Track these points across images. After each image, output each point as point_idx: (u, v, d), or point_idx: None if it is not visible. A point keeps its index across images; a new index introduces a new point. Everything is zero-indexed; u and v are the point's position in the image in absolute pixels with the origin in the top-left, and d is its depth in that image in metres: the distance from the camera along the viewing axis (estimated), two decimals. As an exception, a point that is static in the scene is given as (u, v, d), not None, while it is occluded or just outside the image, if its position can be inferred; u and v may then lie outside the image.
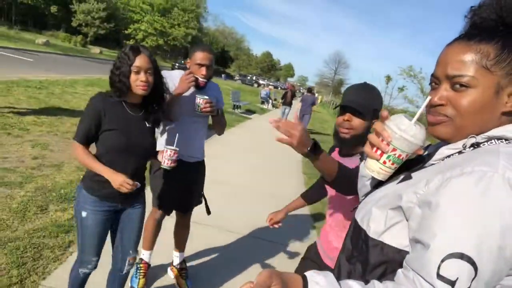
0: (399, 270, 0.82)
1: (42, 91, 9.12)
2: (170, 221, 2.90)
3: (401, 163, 0.94)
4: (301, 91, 48.38)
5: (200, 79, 2.41)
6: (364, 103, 1.62)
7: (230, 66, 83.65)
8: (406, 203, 0.84)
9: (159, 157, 2.09)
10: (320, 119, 22.47)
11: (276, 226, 2.19)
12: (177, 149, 2.06)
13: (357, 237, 0.99)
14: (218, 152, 6.92)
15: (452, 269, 0.70)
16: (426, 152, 0.98)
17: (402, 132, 0.89)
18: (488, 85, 0.82)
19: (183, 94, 2.38)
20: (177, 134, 2.23)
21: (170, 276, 2.95)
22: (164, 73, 2.20)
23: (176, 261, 2.95)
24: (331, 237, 1.80)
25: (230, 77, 54.92)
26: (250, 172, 6.56)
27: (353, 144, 1.69)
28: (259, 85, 48.68)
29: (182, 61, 35.05)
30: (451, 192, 0.75)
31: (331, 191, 1.83)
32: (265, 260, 3.53)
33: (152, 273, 2.90)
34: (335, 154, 1.85)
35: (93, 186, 1.92)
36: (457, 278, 0.70)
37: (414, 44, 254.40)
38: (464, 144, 0.85)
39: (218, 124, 2.70)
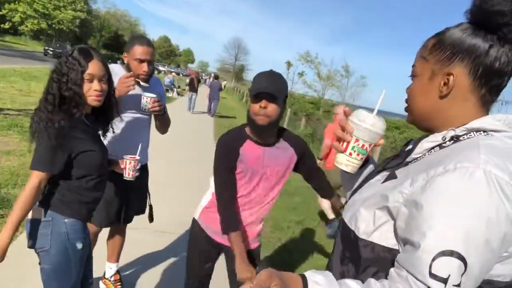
0: (392, 269, 0.83)
1: None
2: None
3: (366, 153, 1.03)
4: (203, 77, 47.70)
5: (141, 82, 2.18)
6: (278, 89, 1.66)
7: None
8: (392, 203, 0.86)
9: (116, 168, 1.91)
10: (226, 105, 22.62)
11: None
12: (139, 158, 1.92)
13: (347, 237, 0.98)
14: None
15: (443, 267, 0.73)
16: (408, 147, 1.01)
17: (362, 122, 1.00)
18: (424, 73, 0.93)
19: None
20: (140, 144, 2.05)
21: (104, 290, 2.70)
22: None
23: (110, 273, 2.70)
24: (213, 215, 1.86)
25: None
26: (170, 166, 6.29)
27: (271, 130, 1.74)
28: (159, 71, 46.29)
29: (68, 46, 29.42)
30: (436, 191, 0.77)
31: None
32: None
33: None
34: (255, 148, 1.78)
35: (82, 211, 1.65)
36: (449, 275, 0.72)
37: (309, 31, 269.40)
38: (443, 136, 0.88)
39: (163, 122, 2.44)
